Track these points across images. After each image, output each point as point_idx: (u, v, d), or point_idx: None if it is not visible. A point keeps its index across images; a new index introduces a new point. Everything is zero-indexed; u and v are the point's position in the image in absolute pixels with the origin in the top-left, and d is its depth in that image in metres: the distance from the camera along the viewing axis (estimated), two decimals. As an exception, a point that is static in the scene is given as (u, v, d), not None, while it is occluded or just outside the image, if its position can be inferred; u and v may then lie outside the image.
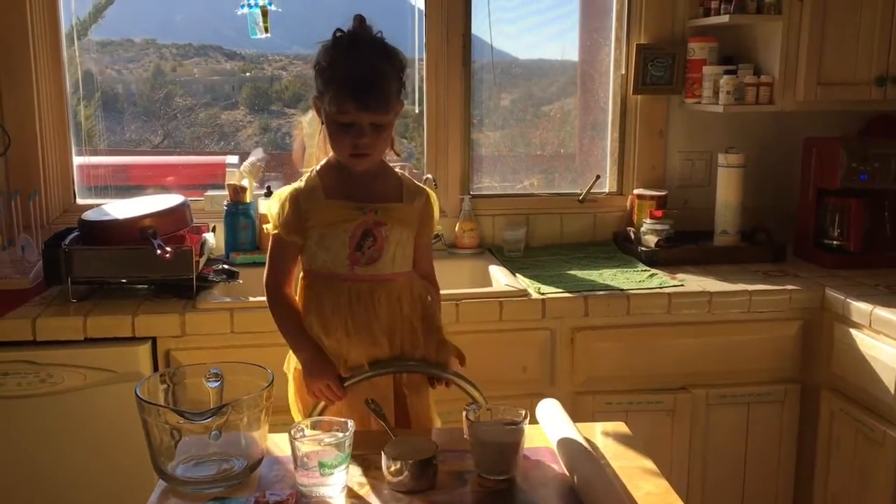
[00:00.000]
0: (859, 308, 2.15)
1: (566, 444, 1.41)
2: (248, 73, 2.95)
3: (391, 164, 1.74)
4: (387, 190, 1.68)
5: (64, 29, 2.57)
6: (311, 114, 1.70)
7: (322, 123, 1.64)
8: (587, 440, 1.43)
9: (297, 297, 1.70)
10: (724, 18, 2.55)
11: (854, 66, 2.50)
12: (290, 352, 1.71)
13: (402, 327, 1.66)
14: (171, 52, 2.90)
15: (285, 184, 2.87)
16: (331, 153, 1.66)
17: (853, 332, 2.18)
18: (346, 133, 1.56)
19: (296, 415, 1.72)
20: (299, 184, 1.68)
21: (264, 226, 1.70)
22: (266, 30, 2.56)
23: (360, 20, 1.59)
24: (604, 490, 1.26)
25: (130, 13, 2.78)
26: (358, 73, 1.53)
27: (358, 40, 1.58)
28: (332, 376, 1.59)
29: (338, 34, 1.59)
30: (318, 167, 1.69)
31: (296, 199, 1.65)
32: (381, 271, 1.64)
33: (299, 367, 1.66)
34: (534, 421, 1.50)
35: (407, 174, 1.76)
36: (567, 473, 1.37)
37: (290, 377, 1.74)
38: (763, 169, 2.82)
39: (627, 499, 1.28)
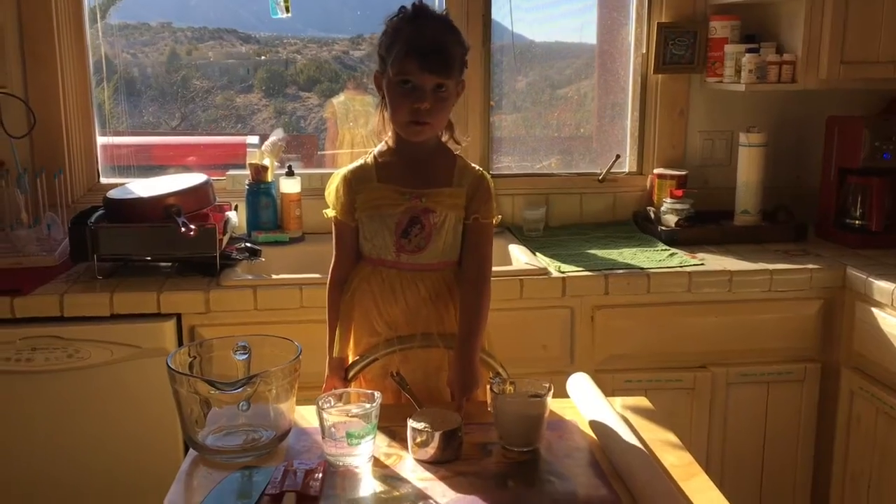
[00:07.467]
0: (881, 287, 2.15)
1: (601, 417, 1.43)
2: (263, 57, 2.96)
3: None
4: (439, 175, 1.64)
5: (87, 11, 2.59)
6: (342, 96, 1.70)
7: (382, 102, 1.63)
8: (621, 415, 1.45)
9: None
10: (747, -4, 2.54)
11: (878, 44, 2.47)
12: None
13: (452, 313, 1.66)
14: (186, 36, 2.91)
15: (304, 165, 2.92)
16: (388, 135, 1.65)
17: (875, 311, 2.18)
18: (407, 97, 1.54)
19: None
20: (354, 165, 1.68)
21: (324, 211, 1.71)
22: (287, 9, 2.56)
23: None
24: (647, 472, 1.26)
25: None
26: (421, 36, 1.53)
27: (422, 12, 1.58)
28: (337, 382, 1.65)
29: (402, 7, 1.59)
30: (375, 150, 1.68)
31: (348, 180, 1.65)
32: (428, 260, 1.63)
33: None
34: (560, 395, 1.52)
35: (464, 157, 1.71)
36: (597, 442, 1.39)
37: None
38: (784, 148, 2.81)
39: (668, 477, 1.29)
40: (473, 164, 1.71)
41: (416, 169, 1.64)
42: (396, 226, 1.62)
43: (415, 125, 1.57)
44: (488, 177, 1.69)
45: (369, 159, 1.67)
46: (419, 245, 1.62)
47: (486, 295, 1.66)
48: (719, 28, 2.67)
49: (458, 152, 1.71)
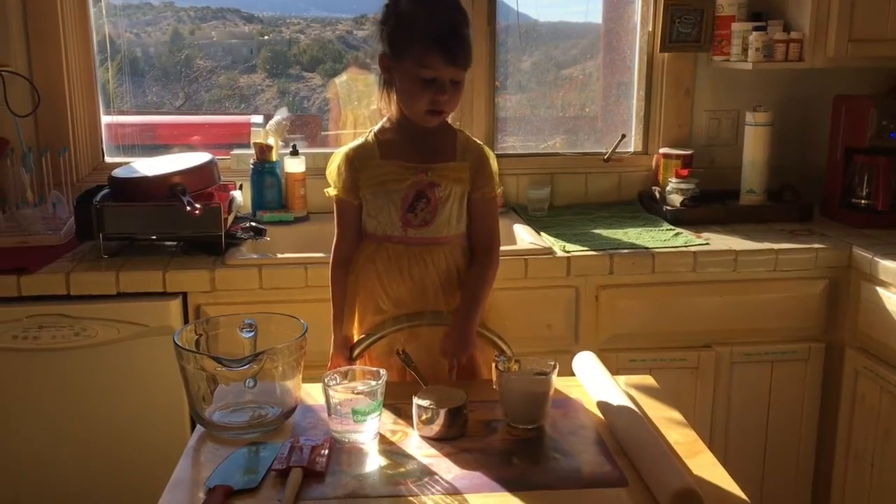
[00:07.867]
0: (887, 266, 2.14)
1: (607, 394, 1.44)
2: (266, 37, 2.94)
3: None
4: (442, 149, 1.65)
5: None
6: (345, 76, 1.69)
7: (383, 84, 1.62)
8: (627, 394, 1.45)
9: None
10: (754, -27, 2.51)
11: (886, 22, 2.45)
12: None
13: (456, 289, 1.66)
14: (188, 16, 2.90)
15: (309, 145, 2.92)
16: (390, 112, 1.65)
17: (880, 290, 2.18)
18: (427, 89, 1.53)
19: None
20: (354, 143, 1.68)
21: (325, 190, 1.71)
22: (291, -13, 2.54)
23: None
24: (652, 448, 1.27)
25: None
26: (442, 27, 1.51)
27: None
28: (341, 360, 1.65)
29: None
30: (376, 128, 1.68)
31: (350, 158, 1.65)
32: (435, 234, 1.63)
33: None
34: (565, 373, 1.52)
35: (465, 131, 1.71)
36: (602, 420, 1.39)
37: None
38: (791, 127, 2.79)
39: (672, 454, 1.29)
40: (474, 139, 1.72)
41: (418, 144, 1.64)
42: (402, 201, 1.62)
43: (433, 114, 1.57)
44: (488, 151, 1.70)
45: (370, 137, 1.67)
46: (426, 219, 1.63)
47: (493, 265, 1.68)
48: (726, 6, 2.64)
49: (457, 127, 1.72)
